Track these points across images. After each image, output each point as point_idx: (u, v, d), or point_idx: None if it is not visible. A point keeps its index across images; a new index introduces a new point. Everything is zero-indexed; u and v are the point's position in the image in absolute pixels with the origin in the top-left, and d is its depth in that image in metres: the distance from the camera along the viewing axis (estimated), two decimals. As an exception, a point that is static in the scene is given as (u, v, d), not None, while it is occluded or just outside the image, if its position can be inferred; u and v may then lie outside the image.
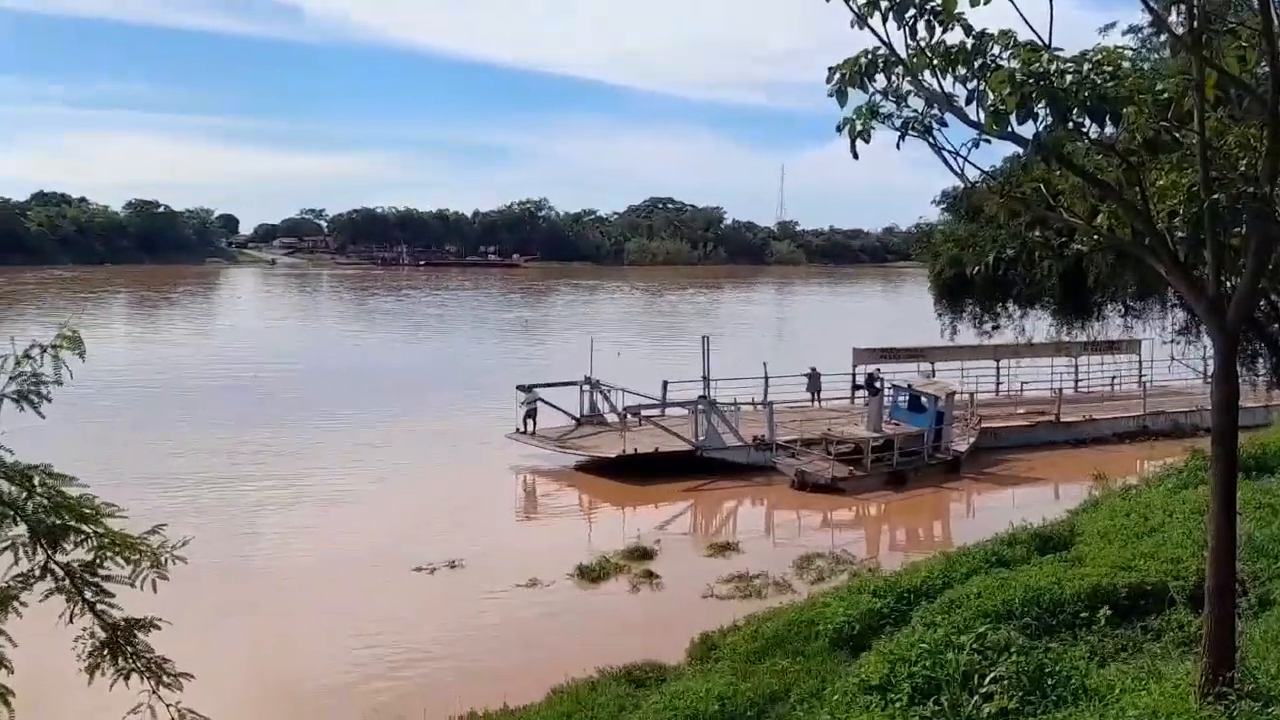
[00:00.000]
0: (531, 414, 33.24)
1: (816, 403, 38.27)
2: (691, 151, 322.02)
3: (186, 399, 42.48)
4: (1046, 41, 8.62)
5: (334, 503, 27.70)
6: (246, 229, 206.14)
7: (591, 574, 21.75)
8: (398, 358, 59.35)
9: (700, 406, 31.98)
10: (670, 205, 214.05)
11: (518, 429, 33.04)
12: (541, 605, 20.30)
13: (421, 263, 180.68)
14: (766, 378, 36.47)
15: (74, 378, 5.23)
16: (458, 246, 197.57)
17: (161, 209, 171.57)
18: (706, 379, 34.30)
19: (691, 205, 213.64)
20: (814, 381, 38.46)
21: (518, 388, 33.76)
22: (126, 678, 5.11)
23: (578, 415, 34.69)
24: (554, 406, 34.20)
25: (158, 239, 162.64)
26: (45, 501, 4.65)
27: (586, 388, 35.09)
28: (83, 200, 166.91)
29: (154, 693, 5.15)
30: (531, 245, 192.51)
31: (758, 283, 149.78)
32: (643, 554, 23.11)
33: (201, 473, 29.93)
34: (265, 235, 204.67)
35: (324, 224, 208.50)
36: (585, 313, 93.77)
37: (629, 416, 32.77)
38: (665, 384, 35.29)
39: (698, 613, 18.97)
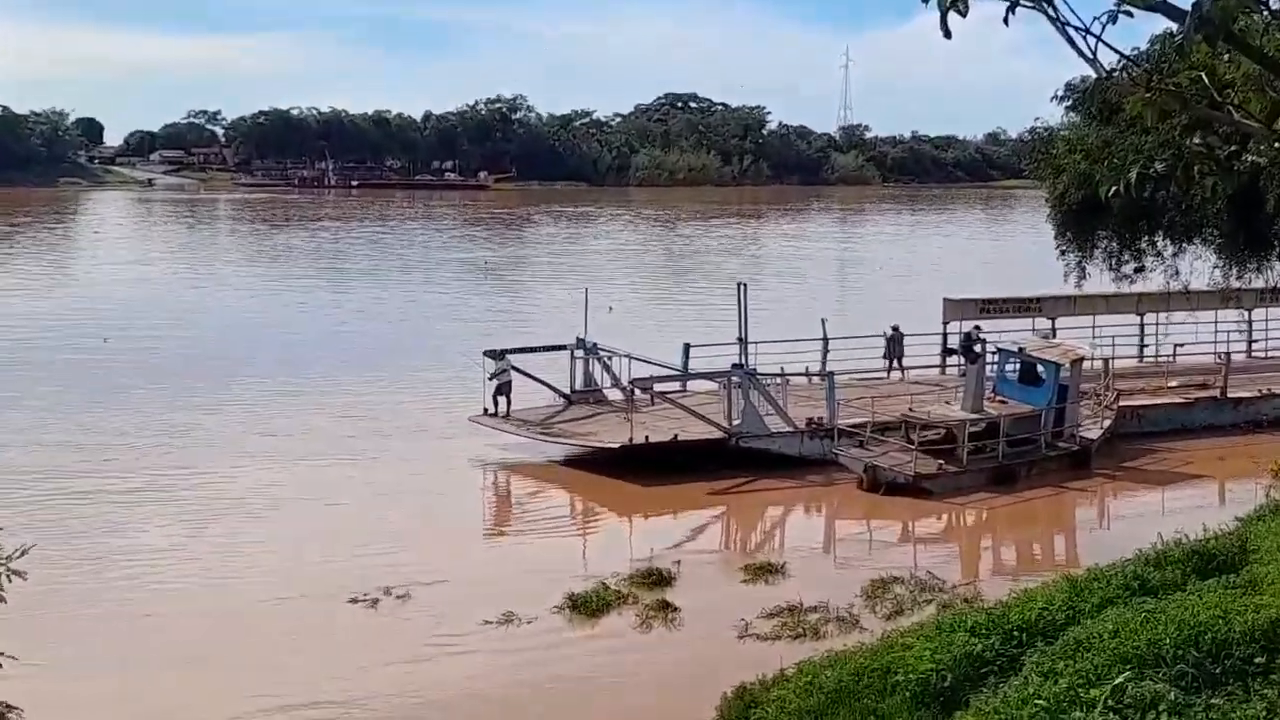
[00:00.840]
0: (504, 389, 33.36)
1: (898, 373, 38.49)
2: (723, 32, 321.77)
3: (17, 372, 42.40)
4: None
5: (228, 513, 27.81)
6: (114, 138, 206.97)
7: (587, 606, 21.79)
8: (319, 316, 59.72)
9: (735, 379, 32.03)
10: (694, 105, 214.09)
11: (485, 409, 33.23)
12: (520, 651, 20.35)
13: (354, 184, 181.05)
14: (826, 339, 36.52)
15: None
16: (403, 162, 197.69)
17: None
18: (744, 341, 34.31)
19: (723, 105, 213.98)
20: (894, 345, 38.53)
21: (486, 354, 33.91)
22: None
23: (568, 391, 34.92)
24: (535, 379, 34.37)
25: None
26: None
27: (579, 354, 35.25)
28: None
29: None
30: (504, 160, 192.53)
31: (813, 209, 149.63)
32: (657, 579, 23.15)
33: (37, 473, 29.93)
34: (140, 147, 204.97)
35: (220, 131, 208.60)
36: (575, 251, 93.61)
37: (638, 393, 32.84)
38: (687, 348, 35.38)
39: (731, 658, 19.04)
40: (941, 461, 30.15)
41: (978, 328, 34.49)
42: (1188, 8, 9.07)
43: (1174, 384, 38.09)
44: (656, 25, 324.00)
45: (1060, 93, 33.90)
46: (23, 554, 5.33)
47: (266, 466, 31.46)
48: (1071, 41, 9.50)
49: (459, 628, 21.19)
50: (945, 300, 38.59)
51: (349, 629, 21.33)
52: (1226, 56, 10.65)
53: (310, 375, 42.77)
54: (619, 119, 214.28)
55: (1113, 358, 38.43)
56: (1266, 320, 42.68)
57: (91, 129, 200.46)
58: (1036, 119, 39.52)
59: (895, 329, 38.67)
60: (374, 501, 29.14)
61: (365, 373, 43.07)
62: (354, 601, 22.10)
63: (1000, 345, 33.66)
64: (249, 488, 29.59)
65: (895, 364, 38.62)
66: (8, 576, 5.13)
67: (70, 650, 19.12)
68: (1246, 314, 41.58)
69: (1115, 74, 10.78)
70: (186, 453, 32.69)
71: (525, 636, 20.98)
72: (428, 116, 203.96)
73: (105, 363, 44.72)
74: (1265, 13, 9.86)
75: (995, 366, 33.05)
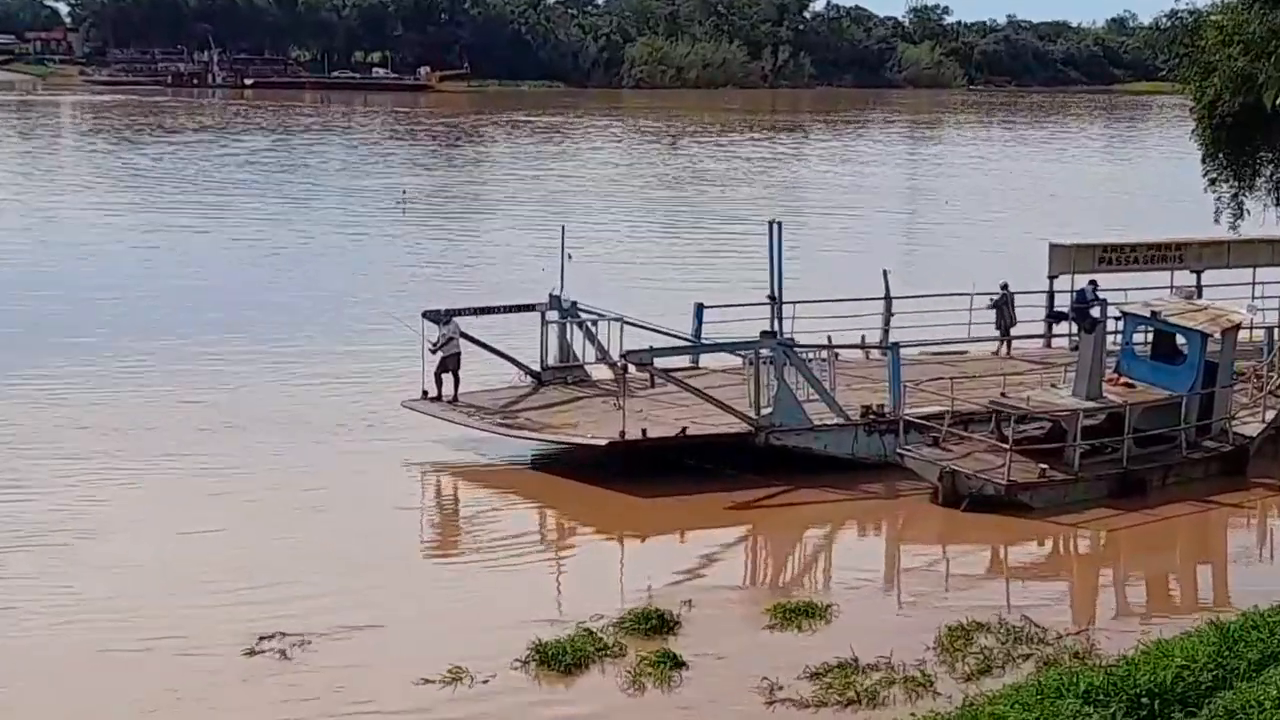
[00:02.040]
0: (450, 364, 33.42)
1: (1006, 347, 38.79)
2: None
3: None
4: None
5: (71, 537, 27.59)
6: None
7: (561, 660, 21.65)
8: (182, 264, 59.67)
9: (766, 352, 31.97)
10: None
11: (424, 392, 33.38)
12: (483, 713, 20.40)
13: (247, 82, 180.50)
14: (889, 298, 36.58)
15: None
16: (315, 53, 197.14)
17: None
18: (776, 301, 34.29)
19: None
20: (1005, 311, 38.68)
21: (425, 316, 33.97)
22: None
23: (538, 367, 35.06)
24: (493, 350, 34.67)
25: None
26: None
27: (553, 315, 35.27)
28: None
29: None
30: (452, 52, 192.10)
31: (873, 120, 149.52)
32: (656, 624, 23.05)
33: None
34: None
35: (64, 9, 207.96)
36: (541, 176, 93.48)
37: (633, 370, 32.79)
38: (700, 310, 35.46)
39: (758, 732, 19.10)
40: (1045, 466, 30.14)
41: (1093, 283, 34.42)
42: None
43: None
44: None
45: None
46: None
47: (100, 475, 31.21)
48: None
49: (388, 684, 21.14)
50: (1051, 246, 38.52)
51: (244, 691, 21.24)
52: None
53: (189, 345, 42.65)
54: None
55: (1280, 326, 38.59)
56: None
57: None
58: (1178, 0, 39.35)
59: (1005, 288, 38.68)
60: (268, 521, 28.92)
61: (241, 342, 43.24)
62: (251, 654, 22.05)
63: (1126, 308, 33.65)
64: (100, 503, 29.44)
65: (1005, 337, 38.65)
66: None
67: None
68: None
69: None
70: (12, 459, 32.35)
71: (477, 700, 20.89)
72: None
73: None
74: None
75: (1119, 337, 33.01)
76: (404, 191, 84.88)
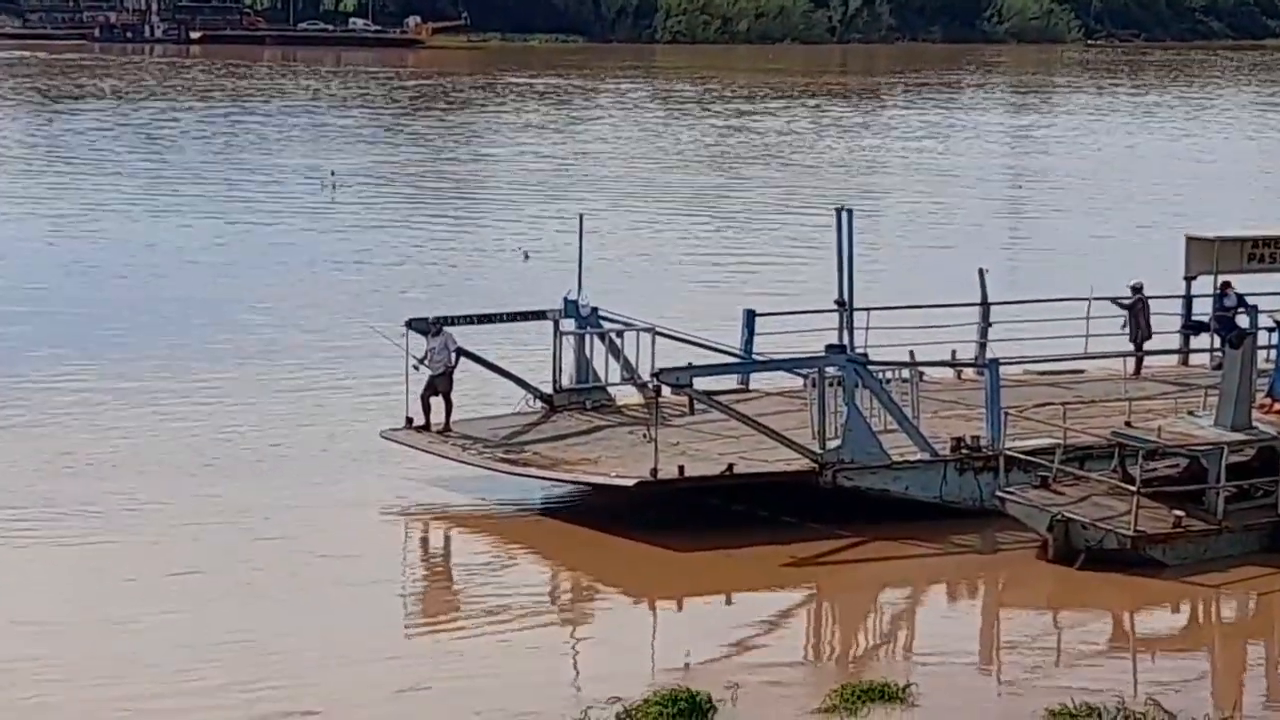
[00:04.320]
0: (439, 385, 33.53)
1: (1131, 365, 38.75)
2: None
3: None
4: None
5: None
6: None
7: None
8: (133, 260, 60.37)
9: (833, 370, 31.93)
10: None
11: (409, 419, 33.50)
12: None
13: (193, 35, 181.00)
14: (986, 303, 36.54)
15: None
16: (276, 2, 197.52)
17: None
18: (846, 308, 34.25)
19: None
20: (1140, 317, 38.51)
21: (409, 325, 34.08)
22: None
23: (549, 389, 35.16)
24: (494, 369, 34.87)
25: None
26: None
27: (567, 322, 35.37)
28: None
29: None
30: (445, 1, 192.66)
31: (965, 84, 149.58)
32: (688, 706, 22.97)
33: None
34: None
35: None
36: (551, 155, 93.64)
37: (666, 390, 32.86)
38: (751, 318, 35.37)
39: None
40: (1181, 512, 30.00)
41: (1228, 285, 34.24)
42: None
43: None
44: None
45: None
46: None
47: (51, 530, 31.35)
48: None
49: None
50: (1189, 240, 38.44)
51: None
52: None
53: (127, 364, 43.05)
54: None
55: None
56: None
57: None
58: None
59: (1137, 290, 38.55)
60: (235, 581, 29.03)
61: (163, 357, 43.46)
62: None
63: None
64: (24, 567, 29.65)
65: (1139, 351, 38.49)
66: None
67: None
68: None
69: None
70: None
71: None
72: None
73: None
74: None
75: (1273, 353, 32.87)
76: (333, 173, 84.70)
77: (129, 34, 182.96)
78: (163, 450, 35.85)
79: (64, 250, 64.02)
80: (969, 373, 34.67)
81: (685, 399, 32.90)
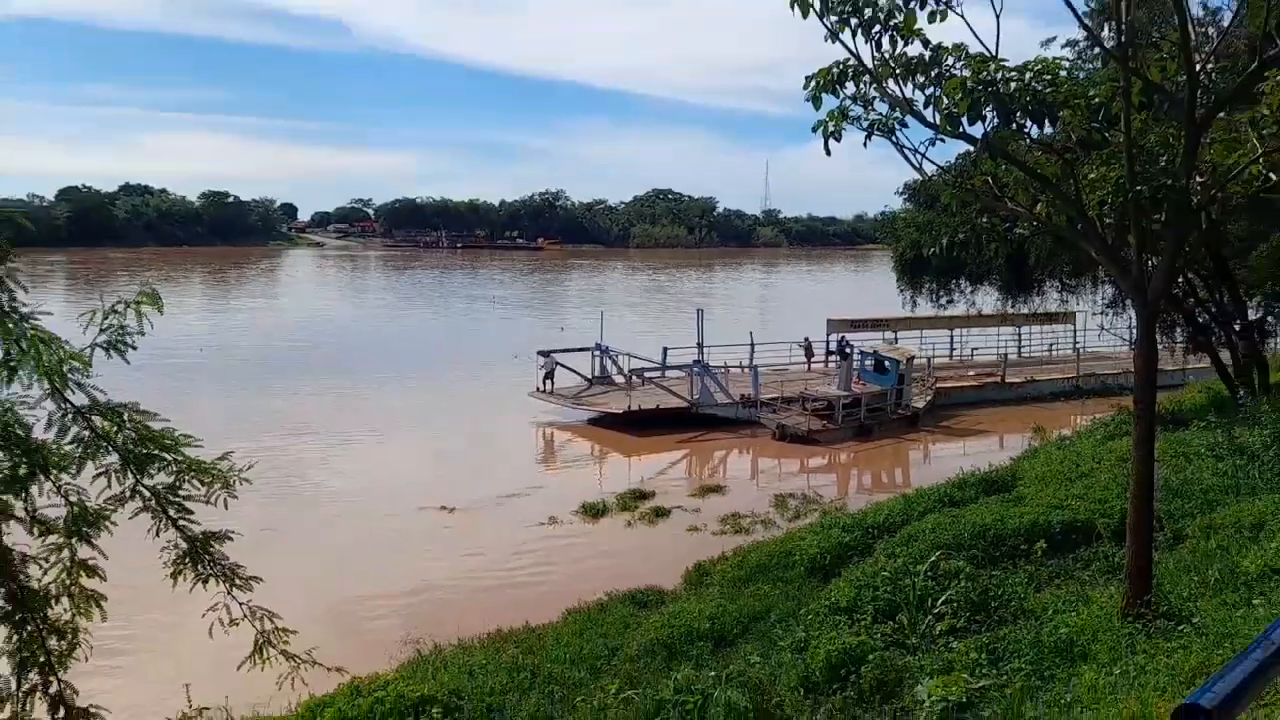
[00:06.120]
0: (550, 375, 33.27)
1: (809, 367, 38.25)
2: (689, 149, 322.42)
3: (258, 363, 41.91)
4: (994, 53, 8.66)
5: (374, 449, 27.52)
6: (304, 216, 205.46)
7: (594, 512, 21.66)
8: (439, 329, 58.60)
9: (695, 369, 31.90)
10: (670, 195, 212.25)
11: (538, 388, 33.05)
12: (555, 537, 20.30)
13: (459, 245, 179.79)
14: (752, 344, 36.33)
15: (154, 337, 5.15)
16: (487, 231, 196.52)
17: (231, 199, 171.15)
18: (700, 345, 34.14)
19: (688, 195, 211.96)
20: (810, 350, 38.62)
21: (539, 353, 33.79)
22: (205, 582, 5.26)
23: (590, 376, 34.56)
24: (569, 369, 34.07)
25: (228, 225, 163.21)
26: (133, 434, 4.81)
27: (597, 353, 34.95)
28: (163, 191, 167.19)
29: (228, 594, 5.32)
30: (551, 230, 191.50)
31: (745, 263, 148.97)
32: (642, 495, 23.03)
33: (260, 422, 29.28)
34: (320, 221, 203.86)
35: (371, 211, 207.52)
36: (595, 287, 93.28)
37: (634, 378, 32.69)
38: (665, 350, 35.08)
39: (692, 545, 19.01)
40: (825, 422, 30.01)
41: (843, 338, 34.29)
42: (979, 136, 9.10)
43: (971, 373, 38.10)
44: (651, 146, 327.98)
45: (900, 189, 33.85)
46: (250, 468, 5.35)
47: (403, 422, 30.79)
48: (907, 158, 9.52)
49: (522, 522, 21.09)
50: (828, 319, 38.22)
51: (452, 524, 20.91)
52: (1004, 167, 10.67)
53: (436, 367, 41.42)
54: (623, 204, 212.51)
55: (933, 356, 38.51)
56: (1030, 333, 42.59)
57: (290, 210, 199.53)
58: (885, 206, 39.59)
59: (808, 339, 38.52)
60: (473, 443, 28.77)
61: (468, 365, 41.48)
62: (447, 509, 21.48)
63: (862, 348, 33.59)
64: (391, 435, 28.96)
65: (809, 361, 38.40)
66: (239, 481, 5.21)
67: (261, 521, 18.88)
68: (1017, 329, 41.68)
69: (934, 177, 10.79)
70: (356, 413, 31.47)
71: (560, 528, 20.91)
72: (502, 202, 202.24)
73: (305, 357, 43.51)
74: (1027, 140, 9.88)
75: (859, 361, 32.96)
76: (494, 297, 79.04)
77: (432, 245, 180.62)
78: (444, 398, 34.79)
79: (363, 318, 62.15)
80: (747, 369, 33.92)
81: (641, 380, 32.57)
